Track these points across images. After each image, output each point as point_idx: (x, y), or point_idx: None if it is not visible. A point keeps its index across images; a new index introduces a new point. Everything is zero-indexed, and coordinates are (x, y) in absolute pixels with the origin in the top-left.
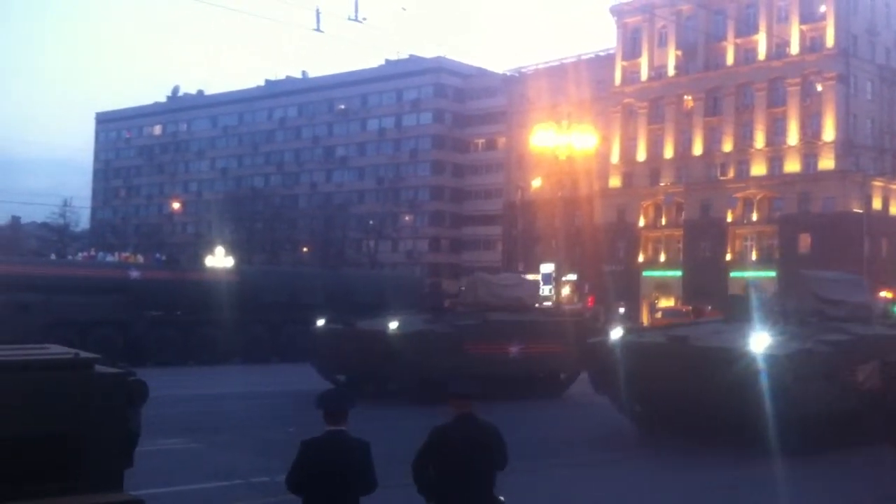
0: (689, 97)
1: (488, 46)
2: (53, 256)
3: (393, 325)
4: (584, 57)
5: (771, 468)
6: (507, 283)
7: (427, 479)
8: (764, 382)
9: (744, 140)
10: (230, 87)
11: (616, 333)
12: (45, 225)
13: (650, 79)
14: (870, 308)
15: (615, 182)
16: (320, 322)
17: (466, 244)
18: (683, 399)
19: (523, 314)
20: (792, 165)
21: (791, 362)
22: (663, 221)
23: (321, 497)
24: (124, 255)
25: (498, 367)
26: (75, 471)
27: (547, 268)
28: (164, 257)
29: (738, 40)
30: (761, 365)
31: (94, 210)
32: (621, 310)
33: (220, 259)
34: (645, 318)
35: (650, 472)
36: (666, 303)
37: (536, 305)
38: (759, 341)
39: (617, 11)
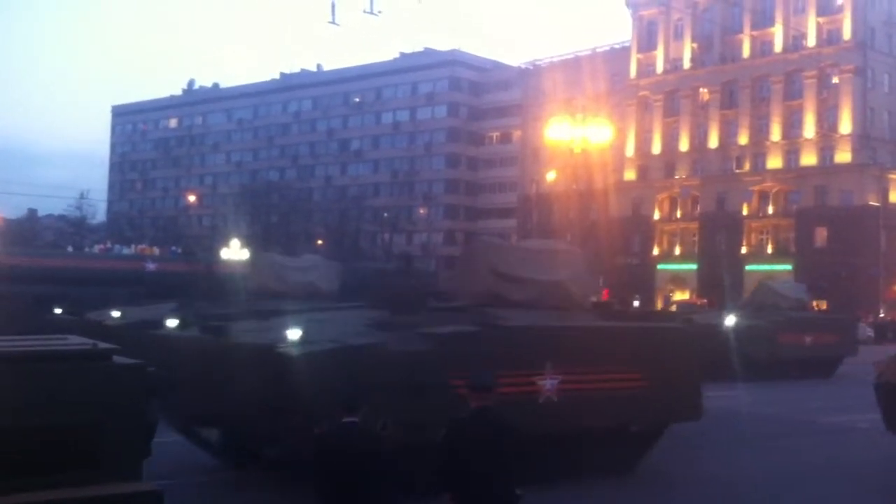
0: (705, 90)
1: (503, 39)
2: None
3: (115, 314)
4: (599, 50)
5: None
6: (300, 266)
7: (447, 471)
8: (285, 389)
9: (760, 133)
10: (245, 80)
11: (171, 323)
12: (62, 217)
13: (666, 71)
14: (567, 288)
15: (630, 175)
16: (57, 311)
17: (481, 237)
18: (220, 415)
19: (308, 303)
20: (808, 158)
21: (325, 361)
22: (679, 214)
23: (334, 486)
24: (141, 247)
25: None
26: (94, 461)
27: None
28: (180, 250)
29: (755, 33)
30: (283, 365)
31: (110, 203)
32: (636, 303)
33: (235, 251)
34: None
35: None
36: (681, 296)
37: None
38: (293, 334)
39: (632, 4)
